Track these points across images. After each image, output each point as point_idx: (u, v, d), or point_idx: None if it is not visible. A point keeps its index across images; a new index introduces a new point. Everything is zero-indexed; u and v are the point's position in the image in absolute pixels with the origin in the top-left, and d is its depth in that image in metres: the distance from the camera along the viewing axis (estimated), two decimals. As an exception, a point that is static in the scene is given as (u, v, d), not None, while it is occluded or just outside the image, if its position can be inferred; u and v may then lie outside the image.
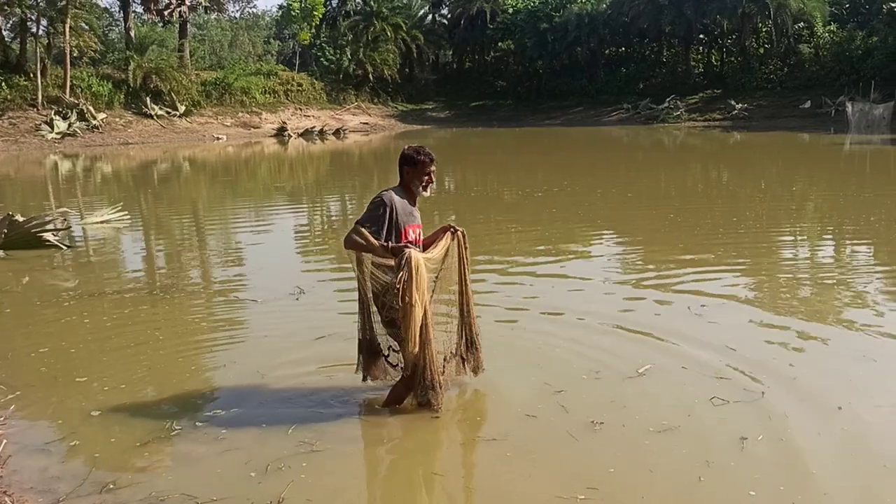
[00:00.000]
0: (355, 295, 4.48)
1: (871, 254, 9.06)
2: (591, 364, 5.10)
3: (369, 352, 4.52)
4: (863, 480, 3.64)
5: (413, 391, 4.33)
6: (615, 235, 10.89)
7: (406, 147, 4.44)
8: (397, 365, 4.45)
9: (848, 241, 9.98)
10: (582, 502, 3.41)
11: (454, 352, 4.59)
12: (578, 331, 5.98)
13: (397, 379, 4.47)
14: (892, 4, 39.92)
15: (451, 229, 4.47)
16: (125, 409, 4.55)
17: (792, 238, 10.27)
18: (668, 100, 43.53)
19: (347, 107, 46.27)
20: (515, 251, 9.56)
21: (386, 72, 48.13)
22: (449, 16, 55.73)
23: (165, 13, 40.93)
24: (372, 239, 4.12)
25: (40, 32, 33.19)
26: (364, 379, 4.57)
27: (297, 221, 13.54)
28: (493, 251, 9.48)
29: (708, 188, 17.01)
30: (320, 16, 48.21)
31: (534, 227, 11.56)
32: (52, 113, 31.33)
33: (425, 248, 4.40)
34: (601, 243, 10.33)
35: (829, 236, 10.59)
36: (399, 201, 4.27)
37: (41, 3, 30.88)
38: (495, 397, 4.68)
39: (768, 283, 7.67)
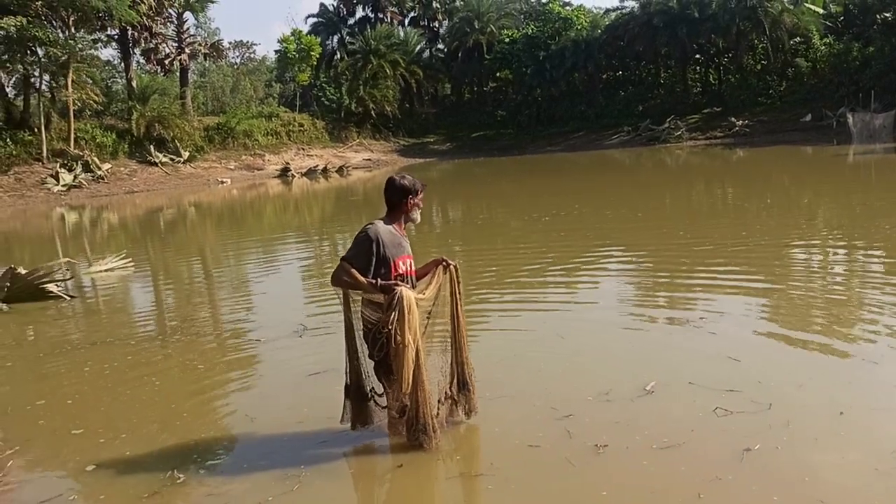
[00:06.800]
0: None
1: (882, 262, 8.92)
2: (598, 385, 5.03)
3: (356, 397, 4.34)
4: (856, 483, 3.57)
5: (407, 432, 4.19)
6: (624, 255, 10.85)
7: (397, 178, 4.23)
8: (386, 407, 4.31)
9: (859, 251, 9.86)
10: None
11: (447, 393, 4.41)
12: (587, 352, 5.95)
13: (385, 422, 4.38)
14: (887, 15, 40.15)
15: (444, 263, 4.30)
16: (123, 461, 4.46)
17: (801, 251, 10.15)
18: (668, 120, 43.72)
19: (350, 144, 46.67)
20: (524, 275, 9.51)
21: (386, 108, 48.60)
22: (446, 49, 56.43)
23: (166, 62, 41.62)
24: (359, 276, 3.99)
25: (43, 87, 33.58)
26: (353, 427, 4.39)
27: (304, 259, 13.54)
28: (500, 277, 9.45)
29: (715, 204, 16.94)
30: (317, 56, 48.84)
31: (542, 251, 11.49)
32: (58, 166, 31.59)
33: (418, 278, 4.30)
34: (610, 263, 10.29)
35: (840, 247, 10.43)
36: (386, 234, 4.12)
37: (43, 59, 31.24)
38: (496, 429, 4.50)
39: (777, 295, 7.58)
